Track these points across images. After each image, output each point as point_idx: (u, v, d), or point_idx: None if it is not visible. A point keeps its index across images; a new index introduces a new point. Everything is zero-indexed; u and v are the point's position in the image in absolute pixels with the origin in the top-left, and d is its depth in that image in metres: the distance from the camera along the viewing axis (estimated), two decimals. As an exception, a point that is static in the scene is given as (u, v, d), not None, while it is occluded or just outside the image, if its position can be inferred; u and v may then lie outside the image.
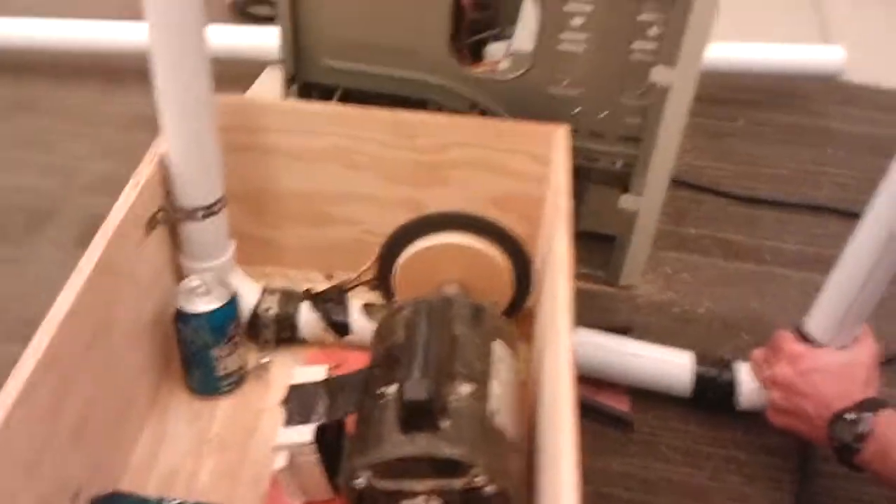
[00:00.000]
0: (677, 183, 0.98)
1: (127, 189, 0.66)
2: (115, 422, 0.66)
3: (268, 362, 0.77)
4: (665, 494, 0.72)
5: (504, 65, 0.78)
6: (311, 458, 0.61)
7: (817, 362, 0.69)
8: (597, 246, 0.89)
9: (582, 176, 0.83)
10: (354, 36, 0.78)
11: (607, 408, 0.77)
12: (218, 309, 0.70)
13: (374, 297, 0.81)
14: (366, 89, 0.81)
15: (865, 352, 0.69)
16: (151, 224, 0.69)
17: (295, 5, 0.77)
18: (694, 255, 0.97)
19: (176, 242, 0.73)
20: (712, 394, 0.77)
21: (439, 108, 0.80)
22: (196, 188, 0.70)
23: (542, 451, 0.59)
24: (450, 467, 0.54)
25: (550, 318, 0.63)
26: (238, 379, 0.75)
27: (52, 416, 0.54)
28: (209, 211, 0.71)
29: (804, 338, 0.71)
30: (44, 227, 0.95)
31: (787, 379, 0.69)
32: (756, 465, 0.75)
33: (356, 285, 0.82)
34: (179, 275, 0.74)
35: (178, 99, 0.66)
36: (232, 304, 0.72)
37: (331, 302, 0.79)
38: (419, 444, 0.54)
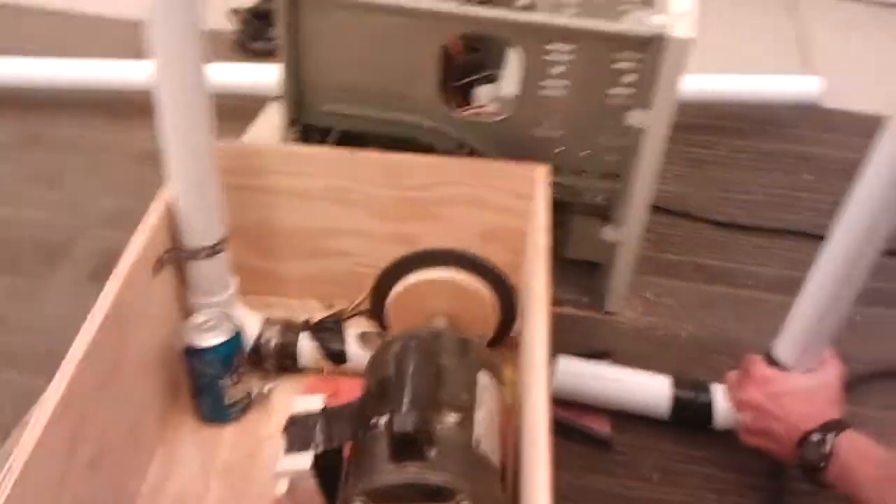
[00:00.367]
0: (658, 210, 1.02)
1: (136, 233, 0.70)
2: (127, 451, 0.70)
3: (270, 390, 0.82)
4: (644, 512, 0.76)
5: (490, 108, 0.83)
6: (311, 484, 0.65)
7: (785, 386, 0.73)
8: (582, 272, 0.94)
9: (566, 208, 0.87)
10: (351, 81, 0.83)
11: (587, 429, 0.81)
12: (224, 342, 0.75)
13: (370, 325, 0.85)
14: (362, 131, 0.86)
15: (831, 373, 0.73)
16: (159, 265, 0.73)
17: (295, 58, 0.82)
18: (674, 279, 1.01)
19: (182, 280, 0.78)
20: (690, 415, 0.81)
21: (431, 147, 0.84)
22: (200, 229, 0.75)
23: (522, 470, 0.64)
24: (438, 493, 0.58)
25: (531, 348, 0.67)
26: (244, 406, 0.80)
27: (71, 450, 0.59)
28: (213, 250, 0.76)
29: (773, 362, 0.75)
30: (58, 261, 0.99)
31: (757, 402, 0.73)
32: (731, 482, 0.78)
33: (351, 316, 0.86)
34: (186, 310, 0.79)
35: (181, 148, 0.70)
36: (237, 336, 0.76)
37: (328, 332, 0.83)
38: (408, 473, 0.58)
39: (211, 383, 0.76)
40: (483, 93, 0.85)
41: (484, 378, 0.68)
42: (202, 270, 0.77)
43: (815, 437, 0.68)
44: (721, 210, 1.10)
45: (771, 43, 1.51)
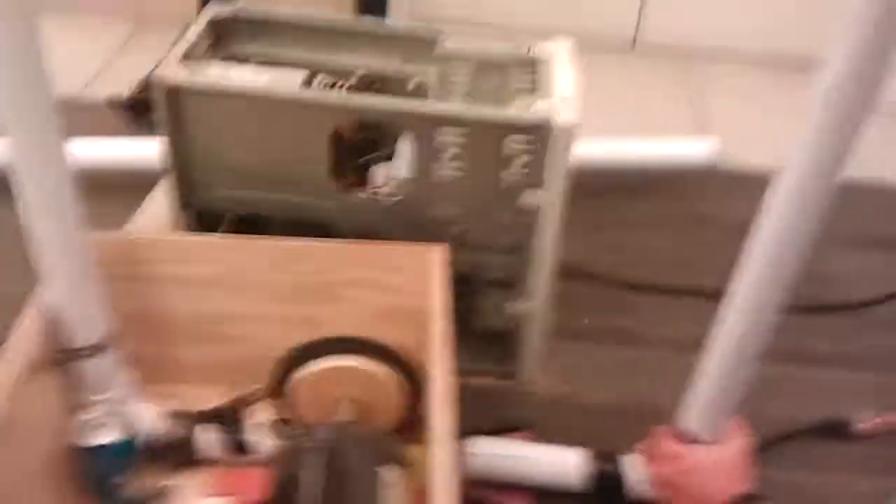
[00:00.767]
0: (567, 275, 1.02)
1: (11, 339, 0.67)
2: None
3: (168, 488, 0.78)
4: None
5: (387, 188, 0.82)
6: None
7: (693, 461, 0.73)
8: (495, 342, 0.93)
9: (471, 282, 0.87)
10: (241, 165, 0.81)
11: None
12: (114, 442, 0.72)
13: (272, 411, 0.82)
14: (258, 213, 0.84)
15: (738, 444, 0.74)
16: (39, 368, 0.69)
17: (181, 144, 0.80)
18: (588, 343, 1.01)
19: (68, 379, 0.74)
20: (606, 487, 0.81)
21: (329, 228, 0.83)
22: (79, 328, 0.71)
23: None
24: None
25: (435, 430, 0.65)
26: (139, 506, 0.75)
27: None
28: (96, 348, 0.72)
29: (681, 432, 0.75)
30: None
31: (668, 478, 0.74)
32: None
33: (251, 403, 0.83)
34: (74, 409, 0.74)
35: (49, 244, 0.65)
36: (128, 433, 0.73)
37: (227, 422, 0.80)
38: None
39: (104, 483, 0.72)
40: (380, 172, 0.84)
41: (388, 474, 0.66)
42: (87, 369, 0.73)
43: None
44: (627, 272, 1.12)
45: (668, 106, 1.56)
